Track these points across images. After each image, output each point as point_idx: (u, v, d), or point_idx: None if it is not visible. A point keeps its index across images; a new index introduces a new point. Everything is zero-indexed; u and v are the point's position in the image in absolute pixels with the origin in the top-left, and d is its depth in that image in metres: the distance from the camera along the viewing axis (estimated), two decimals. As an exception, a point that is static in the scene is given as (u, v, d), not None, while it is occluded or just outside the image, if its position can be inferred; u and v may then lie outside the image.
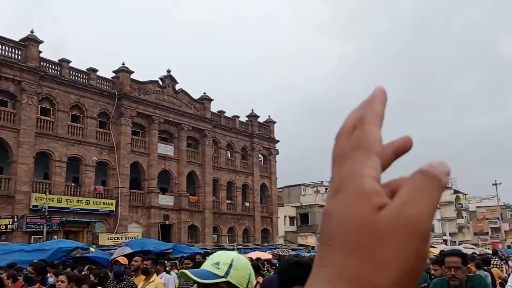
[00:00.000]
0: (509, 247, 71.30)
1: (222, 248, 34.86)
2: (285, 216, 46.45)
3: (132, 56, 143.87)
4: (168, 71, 35.90)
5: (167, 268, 12.32)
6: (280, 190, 50.04)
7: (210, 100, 38.89)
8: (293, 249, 37.63)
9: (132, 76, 32.98)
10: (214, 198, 38.56)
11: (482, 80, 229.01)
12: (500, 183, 63.58)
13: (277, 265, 13.59)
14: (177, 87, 36.45)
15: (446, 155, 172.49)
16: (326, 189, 56.85)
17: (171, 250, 19.90)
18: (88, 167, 29.66)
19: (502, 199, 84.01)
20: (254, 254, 23.04)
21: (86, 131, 30.01)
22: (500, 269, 13.09)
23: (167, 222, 33.54)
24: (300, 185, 56.37)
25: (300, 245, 42.23)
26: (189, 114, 36.54)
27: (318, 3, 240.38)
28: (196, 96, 38.26)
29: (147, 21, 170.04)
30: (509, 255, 27.21)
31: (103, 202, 29.89)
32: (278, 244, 40.69)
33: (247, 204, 41.25)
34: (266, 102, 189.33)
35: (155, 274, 6.95)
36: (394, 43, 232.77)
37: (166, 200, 34.25)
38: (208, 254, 24.66)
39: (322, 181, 59.32)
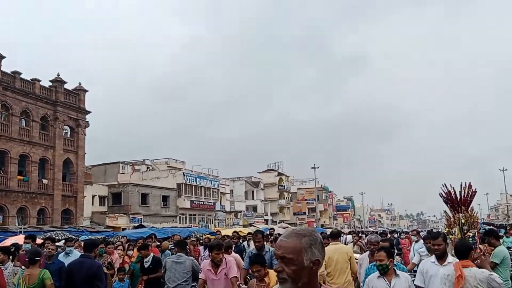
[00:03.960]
0: (322, 226, 76.92)
1: (7, 232, 29.42)
2: (93, 196, 41.99)
3: None
4: None
5: None
6: (89, 167, 45.34)
7: (1, 57, 32.65)
8: (98, 232, 33.89)
9: None
10: (1, 173, 32.72)
11: (316, 75, 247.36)
12: (318, 167, 67.54)
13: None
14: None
15: (281, 140, 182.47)
16: (147, 167, 53.74)
17: None
18: None
19: (321, 182, 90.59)
20: (15, 239, 18.92)
21: None
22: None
23: None
24: (118, 162, 52.17)
25: (108, 226, 38.50)
26: (-32, 70, 30.05)
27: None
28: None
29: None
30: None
31: None
32: (82, 226, 36.41)
33: (45, 181, 35.93)
34: (103, 79, 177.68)
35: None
36: (244, 34, 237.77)
37: None
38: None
39: (144, 159, 56.02)
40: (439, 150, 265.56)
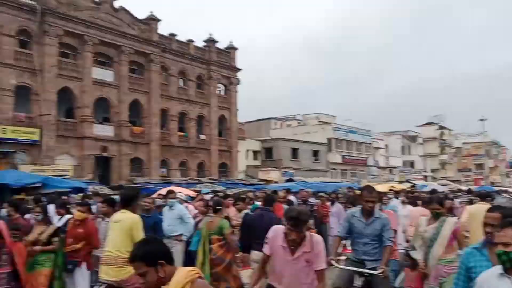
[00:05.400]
0: (492, 183, 69.59)
1: (170, 183, 32.13)
2: (247, 150, 43.59)
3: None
4: (105, -15, 31.61)
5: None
6: (242, 123, 46.89)
7: (157, 20, 34.81)
8: (252, 184, 35.12)
9: (59, -11, 28.82)
10: (164, 129, 35.52)
11: (490, 16, 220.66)
12: (486, 119, 60.99)
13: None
14: (116, 4, 32.32)
15: (444, 92, 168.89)
16: (298, 123, 53.95)
17: (40, 184, 16.38)
18: (4, 92, 26.27)
19: (491, 136, 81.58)
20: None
21: (1, 50, 26.31)
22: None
23: (104, 154, 30.69)
24: (270, 118, 53.29)
25: (261, 180, 39.76)
26: (131, 35, 32.58)
27: None
28: (141, 16, 34.25)
29: None
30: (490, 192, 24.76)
31: (24, 131, 26.74)
32: (237, 179, 38.23)
33: (202, 136, 38.21)
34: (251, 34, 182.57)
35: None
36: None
37: (104, 130, 31.14)
38: (122, 187, 21.51)
39: (294, 115, 56.31)
40: None
